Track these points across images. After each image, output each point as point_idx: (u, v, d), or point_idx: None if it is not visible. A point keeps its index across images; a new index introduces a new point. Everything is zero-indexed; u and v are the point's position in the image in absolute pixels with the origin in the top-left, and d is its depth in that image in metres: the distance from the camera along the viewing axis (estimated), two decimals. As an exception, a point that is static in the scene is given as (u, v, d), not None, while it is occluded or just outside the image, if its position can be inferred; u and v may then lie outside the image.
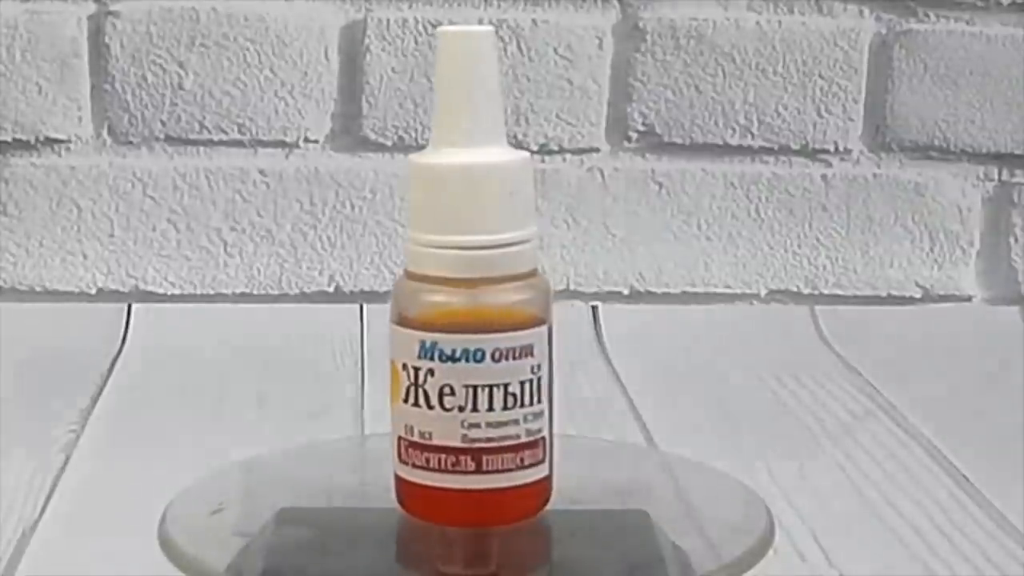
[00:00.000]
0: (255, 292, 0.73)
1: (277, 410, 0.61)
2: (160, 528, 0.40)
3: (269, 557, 0.40)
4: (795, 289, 0.76)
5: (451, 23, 0.70)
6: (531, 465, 0.40)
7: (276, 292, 0.73)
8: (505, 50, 0.72)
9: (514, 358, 0.39)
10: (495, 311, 0.39)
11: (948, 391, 0.66)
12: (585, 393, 0.64)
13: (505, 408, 0.39)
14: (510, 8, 0.73)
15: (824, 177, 0.75)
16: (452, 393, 0.39)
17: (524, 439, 0.39)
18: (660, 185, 0.74)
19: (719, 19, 0.73)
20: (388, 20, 0.72)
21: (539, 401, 0.40)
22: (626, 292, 0.75)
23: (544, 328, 0.40)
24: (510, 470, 0.39)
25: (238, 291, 0.73)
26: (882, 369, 0.68)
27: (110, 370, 0.65)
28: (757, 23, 0.74)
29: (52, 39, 0.71)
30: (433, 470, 0.40)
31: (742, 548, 0.39)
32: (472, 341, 0.39)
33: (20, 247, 0.72)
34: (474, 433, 0.39)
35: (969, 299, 0.77)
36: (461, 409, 0.39)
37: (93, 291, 0.72)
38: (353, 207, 0.73)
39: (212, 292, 0.73)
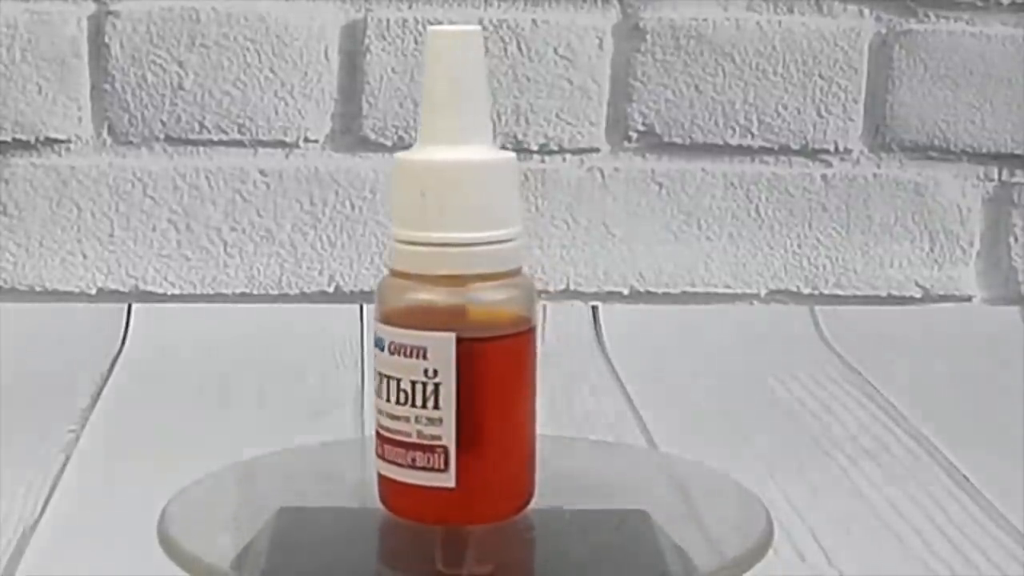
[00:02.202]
0: (255, 292, 0.73)
1: (277, 410, 0.61)
2: (160, 528, 0.40)
3: (269, 557, 0.40)
4: (795, 289, 0.76)
5: (451, 23, 0.70)
6: (424, 469, 0.40)
7: (276, 292, 0.73)
8: (505, 50, 0.72)
9: (405, 355, 0.39)
10: (474, 309, 0.40)
11: (948, 391, 0.66)
12: (585, 393, 0.64)
13: (398, 403, 0.40)
14: (510, 8, 0.73)
15: (824, 177, 0.75)
16: (375, 377, 0.40)
17: (416, 440, 0.40)
18: (660, 185, 0.74)
19: (719, 19, 0.73)
20: (388, 20, 0.72)
21: (435, 408, 0.39)
22: (626, 292, 0.75)
23: (450, 336, 0.39)
24: (400, 465, 0.40)
25: (238, 291, 0.73)
26: (882, 369, 0.68)
27: (110, 370, 0.65)
28: (757, 23, 0.74)
29: (52, 39, 0.71)
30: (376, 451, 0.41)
31: (742, 548, 0.39)
32: (380, 330, 0.40)
33: (20, 247, 0.72)
34: (381, 420, 0.40)
35: (969, 299, 0.77)
36: (378, 394, 0.40)
37: (93, 291, 0.72)
38: (353, 207, 0.73)
39: (212, 292, 0.73)
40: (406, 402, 0.40)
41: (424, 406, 0.39)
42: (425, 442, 0.40)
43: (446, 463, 0.40)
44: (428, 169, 0.40)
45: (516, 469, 0.41)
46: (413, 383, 0.39)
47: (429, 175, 0.40)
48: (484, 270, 0.40)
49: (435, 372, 0.39)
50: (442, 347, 0.39)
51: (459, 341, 0.39)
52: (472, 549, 0.41)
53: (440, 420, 0.39)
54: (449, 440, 0.39)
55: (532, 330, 0.41)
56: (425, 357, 0.39)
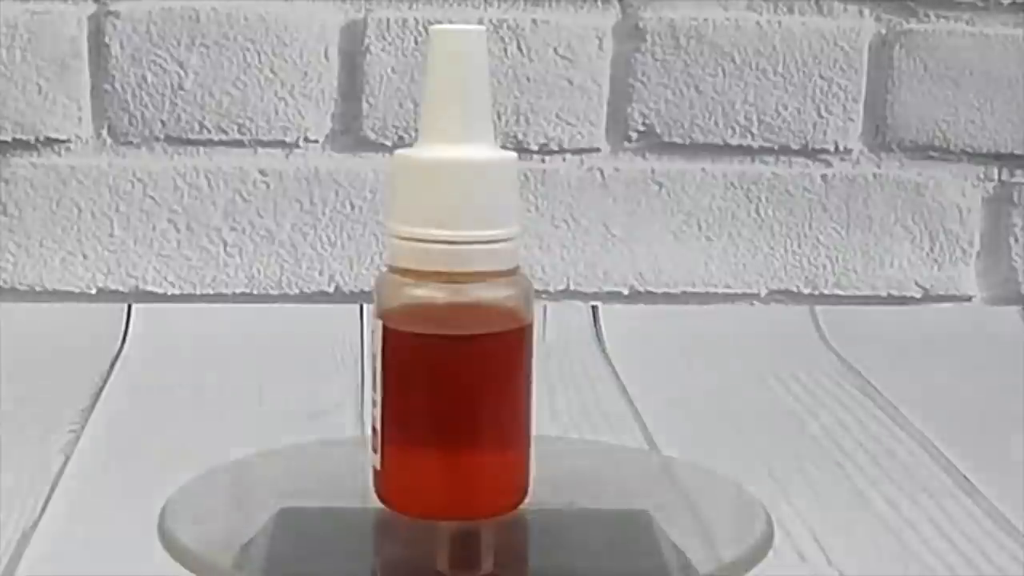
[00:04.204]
0: (255, 292, 0.73)
1: (277, 410, 0.61)
2: (161, 527, 0.40)
3: (269, 557, 0.40)
4: (795, 289, 0.76)
5: (451, 23, 0.69)
6: (372, 448, 0.41)
7: (276, 292, 0.73)
8: (505, 50, 0.72)
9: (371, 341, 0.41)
10: (468, 307, 0.40)
11: (948, 391, 0.66)
12: (585, 394, 0.64)
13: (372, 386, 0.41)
14: (510, 8, 0.73)
15: (824, 177, 0.75)
16: None
17: (373, 423, 0.41)
18: (660, 185, 0.74)
19: (719, 19, 0.73)
20: (388, 20, 0.72)
21: (373, 390, 0.40)
22: (626, 292, 0.75)
23: (378, 323, 0.40)
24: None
25: (238, 291, 0.73)
26: (882, 369, 0.68)
27: (110, 370, 0.65)
28: (757, 23, 0.74)
29: (52, 39, 0.71)
30: None
31: (742, 548, 0.39)
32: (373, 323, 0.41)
33: (20, 247, 0.72)
34: None
35: (969, 299, 0.77)
36: None
37: (93, 291, 0.72)
38: (353, 207, 0.73)
39: (212, 292, 0.73)
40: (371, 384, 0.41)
41: (373, 387, 0.40)
42: (372, 424, 0.41)
43: (376, 446, 0.40)
44: (428, 166, 0.40)
45: (476, 468, 0.41)
46: (373, 365, 0.41)
47: (429, 172, 0.40)
48: (481, 268, 0.40)
49: (375, 357, 0.40)
50: (378, 333, 0.40)
51: (387, 330, 0.40)
52: (471, 549, 0.42)
53: (376, 403, 0.40)
54: (378, 424, 0.40)
55: (524, 329, 0.41)
56: (372, 340, 0.40)
